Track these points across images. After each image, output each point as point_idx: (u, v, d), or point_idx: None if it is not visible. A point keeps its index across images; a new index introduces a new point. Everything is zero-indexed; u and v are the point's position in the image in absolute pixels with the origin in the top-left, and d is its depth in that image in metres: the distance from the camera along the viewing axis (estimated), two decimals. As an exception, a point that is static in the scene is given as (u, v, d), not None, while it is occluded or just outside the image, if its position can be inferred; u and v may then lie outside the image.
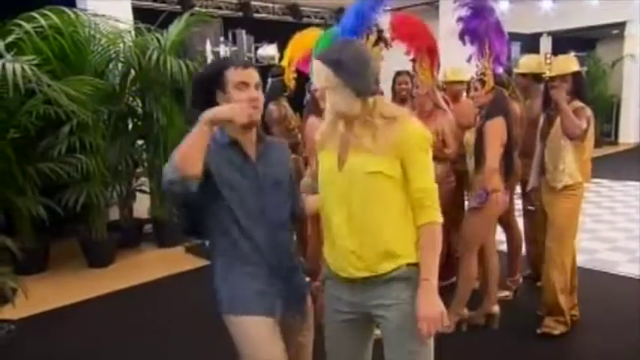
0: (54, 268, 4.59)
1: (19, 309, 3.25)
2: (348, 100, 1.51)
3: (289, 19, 8.73)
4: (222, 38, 6.11)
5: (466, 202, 3.32)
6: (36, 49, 4.14)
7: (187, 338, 3.14)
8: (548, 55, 7.98)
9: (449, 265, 3.42)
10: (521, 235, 3.69)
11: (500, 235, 3.59)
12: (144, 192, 5.35)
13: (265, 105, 4.49)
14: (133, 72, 4.89)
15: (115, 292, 4.03)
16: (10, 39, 3.99)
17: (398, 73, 3.90)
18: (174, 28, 4.99)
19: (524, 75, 3.69)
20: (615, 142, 11.54)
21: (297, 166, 3.41)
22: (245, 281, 1.64)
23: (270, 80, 4.32)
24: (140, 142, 5.23)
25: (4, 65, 3.48)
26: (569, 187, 2.91)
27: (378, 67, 1.66)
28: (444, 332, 3.13)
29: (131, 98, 5.09)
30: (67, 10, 4.33)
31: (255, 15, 8.27)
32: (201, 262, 4.42)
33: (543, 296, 3.06)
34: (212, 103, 1.60)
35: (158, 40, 4.92)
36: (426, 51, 3.18)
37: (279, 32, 5.69)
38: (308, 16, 8.99)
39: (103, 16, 4.71)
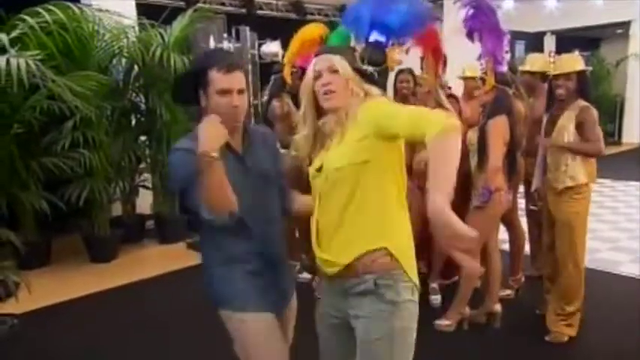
0: (56, 263, 4.60)
1: (22, 303, 3.27)
2: (369, 85, 1.55)
3: (293, 15, 8.72)
4: (225, 35, 6.10)
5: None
6: (40, 44, 4.14)
7: (189, 334, 3.15)
8: (552, 54, 7.96)
9: (451, 263, 3.42)
10: (524, 234, 3.68)
11: (503, 234, 3.59)
12: (146, 188, 5.36)
13: (268, 101, 4.50)
14: (136, 68, 4.89)
15: (117, 287, 4.04)
16: (14, 34, 3.99)
17: (399, 72, 3.90)
18: (178, 24, 4.99)
19: (532, 73, 3.67)
20: (618, 142, 11.51)
21: (297, 163, 3.41)
22: (242, 277, 1.62)
23: (273, 77, 4.31)
24: (143, 138, 5.23)
25: (8, 60, 3.48)
26: (572, 189, 2.88)
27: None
28: (446, 331, 3.15)
29: (134, 94, 5.10)
30: (71, 5, 4.32)
31: (259, 12, 8.26)
32: (203, 259, 4.43)
33: (553, 302, 3.04)
34: (196, 99, 1.59)
35: (162, 36, 4.92)
36: (431, 50, 3.18)
37: (283, 29, 5.68)
38: (311, 13, 8.98)
39: (107, 11, 4.71)
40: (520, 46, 10.98)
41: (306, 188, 1.67)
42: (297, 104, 4.19)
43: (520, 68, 3.80)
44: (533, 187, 3.23)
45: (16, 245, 3.53)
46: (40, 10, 4.15)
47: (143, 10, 5.56)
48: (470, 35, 2.97)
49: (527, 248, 3.79)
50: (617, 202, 6.37)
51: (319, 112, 1.56)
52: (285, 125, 4.02)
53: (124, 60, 4.89)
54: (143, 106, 5.11)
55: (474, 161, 3.06)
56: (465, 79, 3.99)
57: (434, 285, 3.54)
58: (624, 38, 11.33)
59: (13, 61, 3.50)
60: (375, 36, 3.19)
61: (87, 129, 4.37)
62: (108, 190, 4.67)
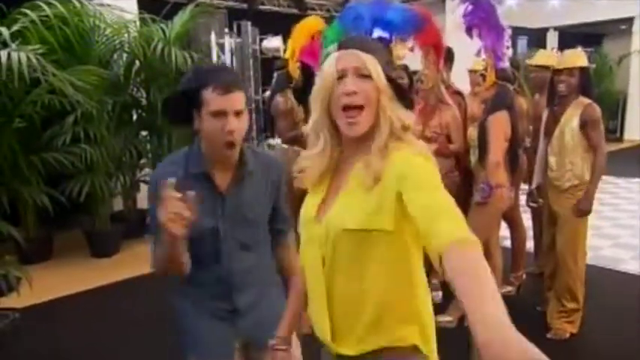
0: (58, 258, 4.61)
1: (24, 298, 3.27)
2: (403, 110, 1.12)
3: (294, 11, 8.69)
4: (226, 30, 6.09)
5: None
6: (41, 39, 4.13)
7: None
8: (555, 51, 7.93)
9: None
10: (525, 231, 3.67)
11: (504, 230, 3.59)
12: (147, 183, 5.35)
13: (271, 97, 4.49)
14: (137, 63, 4.88)
15: (119, 282, 4.04)
16: (15, 28, 3.98)
17: (394, 68, 3.87)
18: (179, 19, 4.97)
19: (546, 67, 3.55)
20: (620, 139, 11.48)
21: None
22: (199, 320, 1.53)
23: (275, 73, 4.30)
24: (144, 133, 5.23)
25: (9, 54, 3.47)
26: (576, 186, 2.87)
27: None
28: (446, 327, 3.15)
29: (135, 89, 5.09)
30: (72, -1, 4.32)
31: (260, 7, 8.23)
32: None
33: (554, 299, 3.04)
34: (189, 120, 1.42)
35: (163, 31, 4.91)
36: (433, 46, 3.16)
37: (284, 24, 5.66)
38: (313, 9, 8.94)
39: (109, 6, 4.70)
40: (522, 42, 10.94)
41: None
42: (298, 99, 4.21)
43: (531, 62, 3.74)
44: (534, 184, 3.22)
45: (18, 240, 3.53)
46: (41, 4, 4.14)
47: (144, 4, 5.54)
48: (469, 31, 2.96)
49: (529, 245, 3.79)
50: (618, 199, 6.36)
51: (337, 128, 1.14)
52: (289, 121, 4.02)
53: (125, 55, 4.88)
54: (144, 101, 5.10)
55: (474, 157, 3.05)
56: (471, 72, 3.93)
57: (435, 281, 3.54)
58: (627, 34, 11.28)
59: (14, 55, 3.49)
60: (378, 32, 3.18)
61: (88, 124, 4.37)
62: (109, 185, 4.67)
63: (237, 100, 1.38)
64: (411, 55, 2.93)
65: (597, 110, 2.83)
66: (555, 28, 11.76)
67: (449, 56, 3.61)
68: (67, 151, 4.31)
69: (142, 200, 5.39)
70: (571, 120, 2.85)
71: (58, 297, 3.75)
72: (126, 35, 4.76)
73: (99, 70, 4.31)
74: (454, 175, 3.32)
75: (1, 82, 3.66)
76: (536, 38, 11.18)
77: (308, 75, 3.93)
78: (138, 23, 5.01)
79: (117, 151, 4.75)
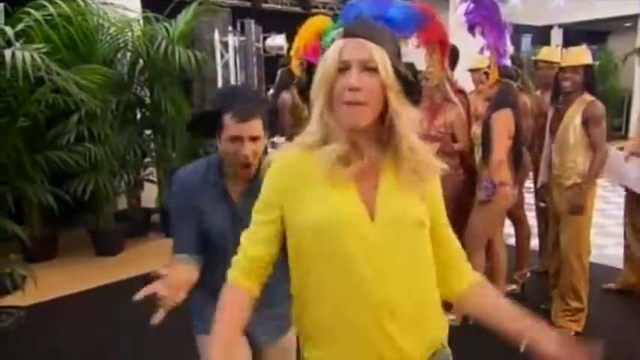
0: (62, 257, 4.62)
1: (29, 296, 3.29)
2: (411, 108, 1.06)
3: (298, 9, 8.68)
4: (230, 28, 6.08)
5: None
6: (45, 38, 4.14)
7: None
8: (559, 48, 7.89)
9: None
10: (530, 229, 3.66)
11: (509, 228, 3.58)
12: (151, 181, 5.37)
13: (276, 94, 4.49)
14: (141, 61, 4.89)
15: (123, 280, 4.05)
16: (19, 27, 3.99)
17: None
18: (183, 18, 4.97)
19: (551, 64, 3.50)
20: (625, 137, 11.42)
21: None
22: (206, 303, 1.63)
23: (279, 70, 4.30)
24: (148, 131, 5.24)
25: (13, 53, 3.48)
26: (579, 184, 2.86)
27: None
28: (451, 325, 3.14)
29: (139, 88, 5.09)
30: (76, -2, 4.32)
31: (264, 5, 8.22)
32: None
33: (558, 298, 3.03)
34: (213, 135, 1.54)
35: (166, 30, 4.91)
36: (438, 43, 3.15)
37: (288, 22, 5.65)
38: (316, 7, 8.93)
39: (112, 4, 4.70)
40: (527, 40, 10.90)
41: None
42: (302, 96, 4.21)
43: (536, 58, 3.71)
44: (539, 183, 3.21)
45: (23, 239, 3.54)
46: (45, 3, 4.14)
47: (148, 3, 5.54)
48: (471, 29, 2.95)
49: (534, 243, 3.77)
50: (622, 197, 6.30)
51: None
52: (296, 117, 4.04)
53: (128, 53, 4.89)
54: (148, 100, 5.10)
55: (478, 155, 3.04)
56: (473, 71, 3.92)
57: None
58: (632, 32, 11.21)
59: (19, 54, 3.49)
60: None
61: (92, 123, 4.38)
62: (113, 184, 4.68)
63: (254, 127, 1.47)
64: (411, 53, 2.92)
65: (600, 107, 2.82)
66: (560, 26, 11.70)
67: (453, 55, 3.60)
68: (72, 149, 4.31)
69: (146, 199, 5.41)
70: (574, 117, 2.84)
71: (62, 295, 3.76)
72: (129, 34, 4.77)
73: (103, 68, 4.31)
74: (459, 173, 3.31)
75: (5, 81, 3.67)
76: (541, 36, 11.13)
77: (312, 73, 3.93)
78: (141, 22, 5.02)
79: (121, 149, 4.76)
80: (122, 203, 5.26)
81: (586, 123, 2.80)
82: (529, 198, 3.81)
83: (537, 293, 3.44)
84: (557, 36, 11.79)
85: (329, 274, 1.04)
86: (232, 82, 5.54)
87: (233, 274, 1.15)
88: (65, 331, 3.27)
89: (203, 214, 1.56)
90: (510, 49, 3.05)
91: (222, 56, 5.57)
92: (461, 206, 3.22)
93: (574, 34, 11.24)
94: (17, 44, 3.69)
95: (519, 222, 3.62)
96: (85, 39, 4.42)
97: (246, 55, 5.68)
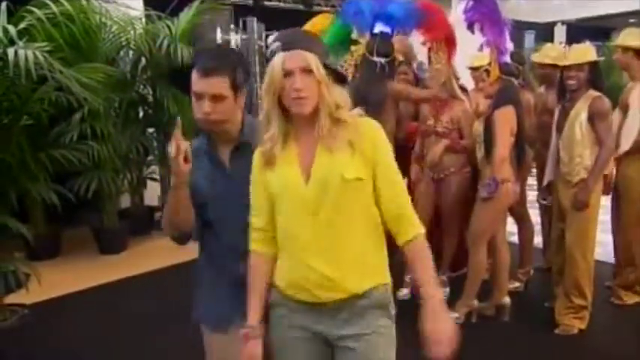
0: (66, 255, 4.64)
1: (32, 294, 3.30)
2: (338, 90, 1.37)
3: (300, 7, 8.66)
4: (232, 26, 6.08)
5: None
6: (48, 36, 4.13)
7: (198, 326, 3.15)
8: (563, 45, 7.85)
9: (461, 255, 3.40)
10: (533, 226, 3.65)
11: (512, 226, 3.57)
12: (154, 180, 5.38)
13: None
14: (143, 60, 4.89)
15: (126, 278, 4.06)
16: (22, 25, 3.99)
17: (398, 64, 3.84)
18: (185, 16, 4.97)
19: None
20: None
21: None
22: (206, 290, 1.72)
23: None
24: (151, 130, 5.24)
25: (16, 52, 3.48)
26: (585, 180, 2.84)
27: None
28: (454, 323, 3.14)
29: (142, 86, 5.09)
30: (78, -4, 4.32)
31: (266, 3, 8.21)
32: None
33: (562, 295, 3.01)
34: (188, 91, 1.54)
35: (169, 28, 4.90)
36: (444, 40, 3.14)
37: (290, 20, 5.63)
38: (318, 4, 8.90)
39: (114, 2, 4.70)
40: (530, 37, 10.85)
41: None
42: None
43: (534, 59, 3.70)
44: (545, 181, 3.19)
45: (26, 237, 3.55)
46: (48, 2, 4.14)
47: (150, 1, 5.54)
48: (470, 27, 2.95)
49: (537, 240, 3.76)
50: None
51: (285, 111, 1.38)
52: None
53: (131, 52, 4.89)
54: (150, 98, 5.11)
55: (480, 153, 3.03)
56: (473, 69, 3.90)
57: (443, 277, 3.53)
58: (637, 28, 11.14)
59: (21, 53, 3.50)
60: (379, 27, 3.16)
61: (95, 121, 4.38)
62: (116, 182, 4.68)
63: (215, 84, 1.45)
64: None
65: (606, 103, 2.81)
66: (563, 22, 11.64)
67: None
68: (75, 148, 4.32)
69: (149, 197, 5.42)
70: (580, 113, 2.83)
71: (66, 293, 3.77)
72: (132, 32, 4.77)
73: (105, 67, 4.31)
74: (466, 171, 3.29)
75: (8, 79, 3.67)
76: (544, 32, 11.08)
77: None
78: (144, 20, 5.02)
79: (124, 148, 4.76)
80: (125, 201, 5.27)
81: (592, 118, 2.79)
82: (533, 195, 3.79)
83: (541, 291, 3.44)
84: (560, 33, 11.73)
85: (284, 223, 1.43)
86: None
87: (251, 246, 1.49)
88: (69, 328, 3.28)
89: (190, 181, 1.54)
90: (510, 46, 3.04)
91: (224, 54, 5.57)
92: (467, 203, 3.21)
93: (577, 31, 11.18)
94: (20, 43, 3.70)
95: (522, 219, 3.61)
96: (88, 37, 4.42)
97: (248, 53, 5.68)
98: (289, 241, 1.42)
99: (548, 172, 3.13)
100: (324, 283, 1.37)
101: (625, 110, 3.19)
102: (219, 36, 5.57)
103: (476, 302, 3.11)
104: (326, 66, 1.36)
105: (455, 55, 3.20)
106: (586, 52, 2.89)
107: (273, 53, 1.34)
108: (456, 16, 3.25)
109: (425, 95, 3.30)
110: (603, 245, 4.33)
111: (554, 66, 3.53)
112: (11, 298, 3.46)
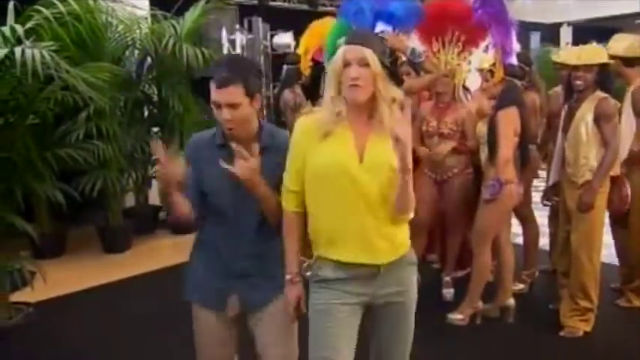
0: (71, 254, 4.65)
1: (37, 292, 3.30)
2: (394, 87, 1.55)
3: (305, 7, 8.66)
4: (237, 26, 6.09)
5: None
6: (54, 36, 4.14)
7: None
8: (569, 46, 7.81)
9: (465, 256, 3.39)
10: (538, 228, 3.63)
11: (517, 227, 3.55)
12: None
13: (280, 92, 4.47)
14: (149, 59, 4.91)
15: (131, 277, 4.07)
16: (29, 25, 4.00)
17: (400, 64, 3.83)
18: (191, 16, 4.98)
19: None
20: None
21: None
22: (201, 270, 1.82)
23: (285, 67, 4.29)
24: (156, 129, 5.25)
25: (23, 51, 3.49)
26: (590, 182, 2.82)
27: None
28: (458, 325, 3.14)
29: (147, 85, 5.11)
30: (85, -4, 4.34)
31: (271, 3, 8.21)
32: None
33: (567, 297, 3.00)
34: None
35: (174, 28, 4.91)
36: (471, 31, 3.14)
37: (295, 20, 5.66)
38: (324, 5, 8.90)
39: (121, 2, 4.72)
40: (535, 38, 10.81)
41: None
42: (307, 95, 4.21)
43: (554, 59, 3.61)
44: (550, 181, 3.18)
45: (32, 235, 3.56)
46: (55, 1, 4.15)
47: (156, 1, 5.56)
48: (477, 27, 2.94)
49: (543, 242, 3.74)
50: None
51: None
52: (298, 115, 4.02)
53: (136, 51, 4.91)
54: (156, 98, 5.12)
55: (484, 154, 3.02)
56: (480, 70, 3.89)
57: (447, 279, 3.52)
58: (631, 32, 11.08)
59: (28, 52, 3.51)
60: (380, 26, 3.16)
61: (100, 120, 4.40)
62: (121, 181, 4.70)
63: (230, 94, 1.58)
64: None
65: (612, 104, 2.79)
66: (569, 23, 11.59)
67: None
68: (80, 147, 4.33)
69: (154, 196, 5.43)
70: (586, 114, 2.81)
71: (71, 292, 3.79)
72: (138, 32, 4.79)
73: (111, 66, 4.32)
74: (469, 172, 3.29)
75: (15, 78, 3.69)
76: (550, 33, 11.03)
77: (318, 73, 3.93)
78: (149, 20, 5.04)
79: (129, 147, 4.78)
80: (130, 200, 5.29)
81: (598, 120, 2.78)
82: (539, 197, 3.78)
83: (546, 293, 3.42)
84: (566, 33, 11.68)
85: (332, 199, 1.56)
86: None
87: (284, 206, 1.64)
88: (73, 327, 3.29)
89: (201, 172, 1.71)
90: (517, 47, 3.02)
91: (229, 54, 5.58)
92: (470, 204, 3.20)
93: (584, 32, 11.13)
94: (27, 42, 3.71)
95: (527, 221, 3.59)
96: (94, 37, 4.44)
97: (253, 52, 5.69)
98: (345, 218, 1.56)
99: (554, 173, 3.12)
100: (382, 248, 1.57)
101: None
102: (224, 36, 5.57)
103: (480, 304, 3.10)
104: (384, 65, 1.52)
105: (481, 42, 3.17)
106: (597, 53, 2.88)
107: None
108: None
109: (426, 81, 3.30)
110: (609, 247, 4.32)
111: (564, 66, 3.50)
112: (16, 297, 3.47)
